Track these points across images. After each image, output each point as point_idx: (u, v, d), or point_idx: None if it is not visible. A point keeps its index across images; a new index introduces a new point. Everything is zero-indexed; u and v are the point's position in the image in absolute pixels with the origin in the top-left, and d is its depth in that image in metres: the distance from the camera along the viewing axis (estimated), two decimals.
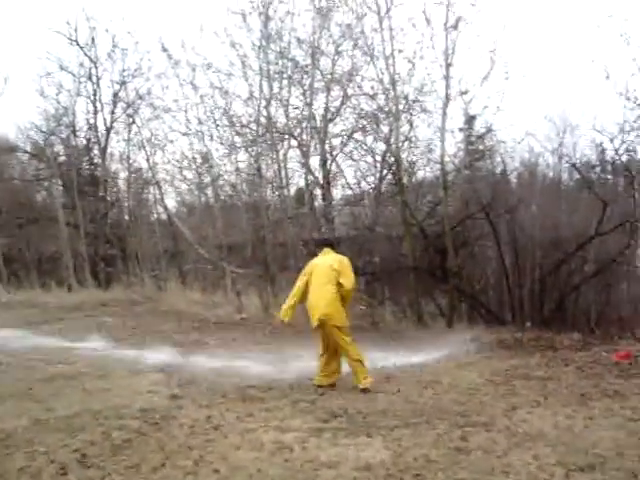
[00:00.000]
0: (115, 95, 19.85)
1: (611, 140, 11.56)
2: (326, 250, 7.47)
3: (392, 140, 13.37)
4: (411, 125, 13.93)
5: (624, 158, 12.08)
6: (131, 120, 19.30)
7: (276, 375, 7.90)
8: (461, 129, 14.31)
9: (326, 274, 7.15)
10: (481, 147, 14.80)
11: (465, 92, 12.66)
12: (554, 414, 5.90)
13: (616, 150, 11.71)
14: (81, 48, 19.77)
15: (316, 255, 7.57)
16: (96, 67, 20.06)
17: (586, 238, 11.22)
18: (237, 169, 15.78)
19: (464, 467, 4.49)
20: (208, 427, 5.60)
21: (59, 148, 21.76)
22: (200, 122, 15.79)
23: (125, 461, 4.75)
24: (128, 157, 20.12)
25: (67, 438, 5.31)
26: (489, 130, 14.27)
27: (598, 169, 14.90)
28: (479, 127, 14.50)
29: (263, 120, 15.01)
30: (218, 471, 4.51)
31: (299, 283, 7.31)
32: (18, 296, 17.47)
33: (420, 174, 14.91)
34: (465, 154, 14.24)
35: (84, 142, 21.38)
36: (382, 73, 13.14)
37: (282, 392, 6.95)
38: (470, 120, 15.02)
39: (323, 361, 7.29)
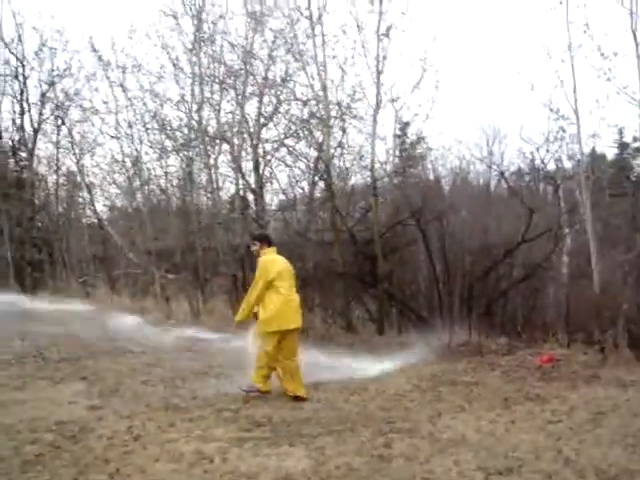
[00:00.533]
0: (43, 95, 19.30)
1: (537, 149, 11.80)
2: (274, 249, 7.25)
3: (324, 146, 13.35)
4: (343, 131, 13.95)
5: (551, 167, 12.36)
6: (60, 122, 18.81)
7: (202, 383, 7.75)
8: (396, 135, 14.39)
9: (292, 277, 7.16)
10: (412, 154, 14.94)
11: (396, 99, 12.78)
12: (478, 419, 5.94)
13: (542, 159, 11.97)
14: (6, 45, 19.14)
15: (259, 255, 7.19)
16: (23, 66, 19.48)
17: (514, 245, 11.40)
18: (167, 173, 15.55)
19: (385, 475, 4.45)
20: (127, 438, 5.40)
21: None
22: (130, 125, 15.50)
23: (35, 478, 4.51)
24: (57, 159, 19.61)
25: None
26: (421, 138, 14.45)
27: (527, 177, 15.23)
28: (411, 134, 14.64)
29: (194, 124, 14.81)
30: None
31: (261, 285, 6.91)
32: None
33: (352, 180, 14.94)
34: (397, 161, 14.35)
35: (10, 143, 20.70)
36: (313, 79, 13.15)
37: (206, 401, 6.80)
38: (404, 127, 15.16)
39: (293, 367, 7.04)
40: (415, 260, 13.23)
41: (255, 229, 14.14)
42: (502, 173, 13.21)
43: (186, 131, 15.03)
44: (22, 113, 19.86)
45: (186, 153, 15.02)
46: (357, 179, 14.90)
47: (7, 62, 19.44)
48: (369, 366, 8.68)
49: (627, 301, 9.52)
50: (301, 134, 14.42)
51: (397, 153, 14.62)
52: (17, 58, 19.39)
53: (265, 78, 14.25)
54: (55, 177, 20.13)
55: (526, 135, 12.96)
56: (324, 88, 12.94)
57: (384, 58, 12.51)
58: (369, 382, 7.69)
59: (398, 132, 14.56)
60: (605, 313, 9.64)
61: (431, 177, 14.21)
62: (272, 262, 7.04)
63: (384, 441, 5.23)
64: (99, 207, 19.08)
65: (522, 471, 4.47)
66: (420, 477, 4.40)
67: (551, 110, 10.98)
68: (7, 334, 11.09)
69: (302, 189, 15.23)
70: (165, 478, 4.45)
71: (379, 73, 12.50)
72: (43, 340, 10.67)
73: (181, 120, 15.18)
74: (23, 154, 20.41)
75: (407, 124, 14.94)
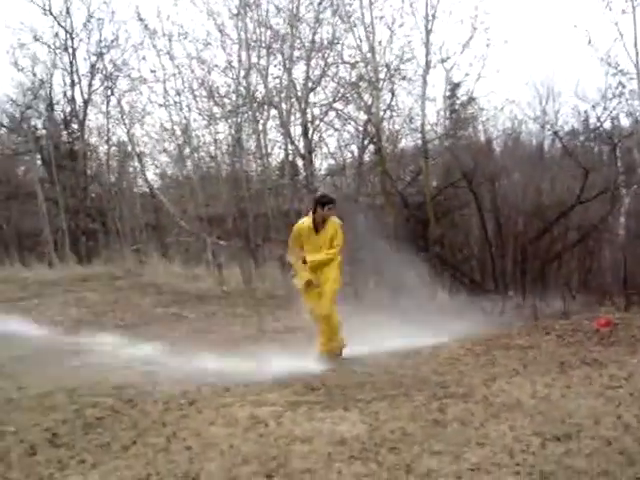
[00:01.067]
0: (92, 67, 19.50)
1: (593, 107, 11.44)
2: None
3: (373, 109, 13.19)
4: (392, 94, 13.73)
5: (607, 125, 11.98)
6: (109, 92, 18.98)
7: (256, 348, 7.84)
8: (446, 97, 14.11)
9: None
10: (463, 115, 14.66)
11: (446, 59, 12.50)
12: (533, 383, 5.86)
13: (598, 117, 11.60)
14: (55, 18, 19.34)
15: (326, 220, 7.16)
16: (72, 38, 19.65)
17: (568, 206, 11.14)
18: (216, 140, 15.57)
19: (440, 440, 4.43)
20: (183, 402, 5.53)
21: (37, 122, 21.40)
22: (178, 93, 15.53)
23: (96, 440, 4.66)
24: (107, 130, 19.84)
25: (39, 417, 5.22)
26: (472, 99, 14.15)
27: (582, 137, 14.83)
28: (461, 95, 14.35)
29: (242, 90, 14.77)
30: (190, 448, 4.43)
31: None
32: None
33: (402, 143, 14.75)
34: (447, 122, 14.11)
35: (62, 115, 21.03)
36: (361, 41, 12.96)
37: (262, 364, 6.88)
38: (454, 88, 14.87)
39: None
40: (467, 223, 13.07)
41: (305, 194, 14.15)
42: (556, 132, 12.87)
43: (234, 97, 15.00)
44: (72, 85, 20.11)
45: (235, 119, 15.01)
46: (407, 142, 14.71)
47: (56, 35, 19.65)
48: (422, 331, 8.64)
49: None
50: (350, 97, 14.27)
51: (448, 115, 14.37)
52: (66, 31, 19.58)
53: (312, 41, 14.08)
54: (106, 147, 20.40)
55: (582, 92, 12.51)
56: (372, 50, 12.75)
57: (433, 17, 12.23)
58: (422, 347, 7.65)
59: (448, 93, 14.29)
60: None
61: (482, 138, 13.92)
62: None
63: (438, 406, 5.21)
64: (150, 176, 19.30)
65: (580, 437, 4.39)
66: (475, 442, 4.37)
67: (609, 65, 10.62)
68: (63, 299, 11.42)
69: (351, 153, 15.14)
70: (220, 442, 4.51)
71: (428, 33, 12.24)
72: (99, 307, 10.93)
73: (229, 86, 15.15)
74: (75, 126, 20.72)
75: (457, 85, 14.67)
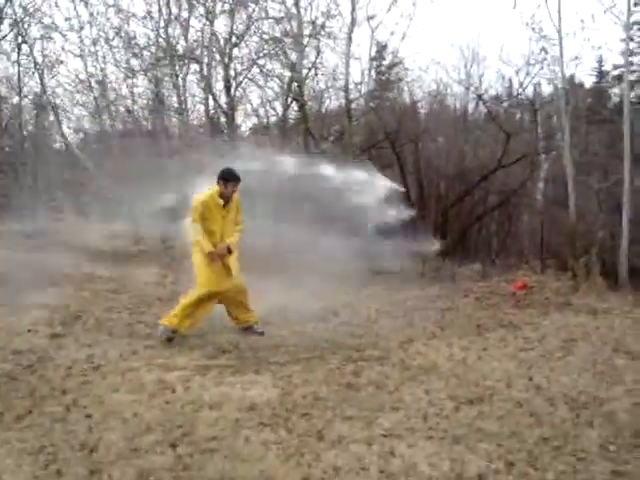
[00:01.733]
0: (0, 11, 18.31)
1: (516, 72, 11.47)
2: None
3: (297, 66, 12.87)
4: (318, 51, 13.43)
5: (529, 91, 12.06)
6: (20, 39, 17.90)
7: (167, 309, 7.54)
8: (372, 58, 13.91)
9: None
10: (388, 76, 14.52)
11: (372, 17, 12.28)
12: (449, 346, 5.83)
13: (521, 83, 11.65)
14: None
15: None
16: None
17: (490, 170, 11.19)
18: (134, 94, 14.96)
19: (353, 404, 4.31)
20: (87, 367, 5.20)
21: None
22: (94, 43, 14.78)
23: None
24: (19, 80, 18.78)
25: None
26: (398, 60, 14.00)
27: (505, 102, 14.94)
28: (387, 54, 14.20)
29: (162, 42, 14.16)
30: (90, 416, 4.15)
31: None
32: None
33: (327, 103, 14.51)
34: (372, 82, 13.94)
35: None
36: None
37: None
38: (381, 50, 14.70)
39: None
40: None
41: (228, 152, 13.77)
42: (480, 96, 12.88)
43: (153, 50, 14.38)
44: None
45: (154, 73, 14.41)
46: (331, 101, 14.47)
47: None
48: (341, 292, 8.54)
49: (601, 229, 9.42)
50: (274, 53, 13.88)
51: (373, 74, 14.19)
52: None
53: None
54: (18, 99, 19.34)
55: (506, 57, 12.57)
56: (297, 4, 12.38)
57: None
58: (339, 308, 7.54)
59: (374, 54, 14.10)
60: (579, 241, 9.55)
61: (407, 100, 13.83)
62: None
63: (353, 369, 5.09)
64: (66, 130, 18.43)
65: (493, 400, 4.36)
66: (389, 406, 4.28)
67: (533, 30, 10.62)
68: None
69: (274, 110, 14.80)
70: (124, 409, 4.26)
71: None
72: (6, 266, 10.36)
73: (148, 38, 14.50)
74: None
75: (384, 47, 14.49)
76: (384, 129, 11.70)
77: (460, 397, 4.41)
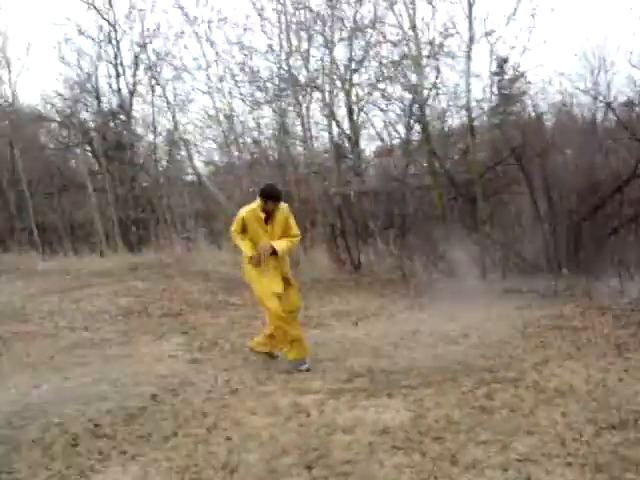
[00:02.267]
0: (136, 57, 19.56)
1: None
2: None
3: (418, 88, 12.89)
4: (437, 71, 13.39)
5: None
6: (154, 82, 19.05)
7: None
8: (493, 73, 13.68)
9: None
10: (511, 90, 14.24)
11: (490, 33, 12.07)
12: (587, 367, 5.62)
13: None
14: (98, 12, 19.48)
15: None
16: (115, 30, 19.75)
17: (623, 180, 10.70)
18: (260, 125, 15.47)
19: (487, 428, 4.25)
20: (225, 392, 5.47)
21: (85, 114, 21.69)
22: (220, 79, 15.48)
23: (137, 430, 4.63)
24: (153, 119, 19.95)
25: (83, 407, 5.21)
26: (519, 74, 13.72)
27: (638, 108, 14.27)
28: (508, 69, 13.93)
29: (284, 74, 14.61)
30: (230, 438, 4.36)
31: None
32: (52, 264, 17.53)
33: (449, 121, 14.39)
34: (494, 98, 13.70)
35: (109, 107, 21.26)
36: (402, 18, 12.63)
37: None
38: (501, 63, 14.46)
39: None
40: (517, 201, 12.71)
41: (352, 177, 14.02)
42: (609, 104, 12.37)
43: (276, 81, 14.86)
44: (117, 77, 20.25)
45: (278, 104, 14.88)
46: (454, 120, 14.35)
47: (100, 28, 19.83)
48: (471, 312, 8.42)
49: None
50: (393, 77, 13.97)
51: (494, 90, 13.93)
52: (109, 23, 19.70)
53: (354, 22, 13.82)
54: (153, 137, 20.54)
55: (636, 60, 11.99)
56: (414, 27, 12.42)
57: None
58: (471, 329, 7.44)
59: (495, 69, 13.87)
60: None
61: (531, 113, 13.48)
62: None
63: (486, 392, 5.02)
64: (197, 163, 19.34)
65: (638, 425, 4.16)
66: (524, 430, 4.19)
67: None
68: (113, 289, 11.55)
69: (398, 133, 14.87)
70: (261, 432, 4.43)
71: (471, 6, 11.83)
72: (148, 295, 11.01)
73: (271, 71, 15.00)
74: (121, 117, 20.91)
75: (505, 60, 14.23)
76: (509, 145, 11.48)
77: (600, 421, 4.24)
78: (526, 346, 6.58)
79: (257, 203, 6.24)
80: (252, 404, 5.05)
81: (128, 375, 6.13)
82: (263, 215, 6.21)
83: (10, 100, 22.43)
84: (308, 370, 6.04)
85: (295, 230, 6.43)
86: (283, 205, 6.32)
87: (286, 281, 6.37)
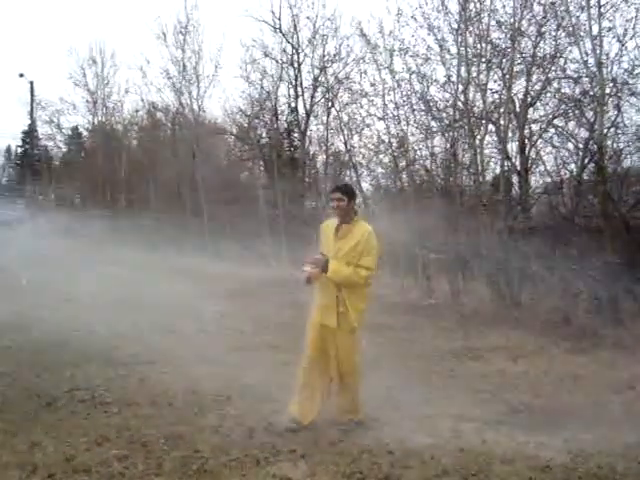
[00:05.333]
0: (315, 80, 20.55)
1: None
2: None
3: (596, 126, 12.60)
4: (619, 110, 13.00)
5: None
6: (330, 104, 19.87)
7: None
8: None
9: None
10: None
11: None
12: None
13: None
14: (284, 35, 20.66)
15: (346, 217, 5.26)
16: (298, 53, 20.92)
17: None
18: (432, 154, 15.69)
19: None
20: (388, 408, 5.70)
21: (262, 131, 22.98)
22: (397, 106, 15.88)
23: (305, 433, 4.98)
24: (326, 140, 20.77)
25: (256, 404, 5.66)
26: None
27: None
28: None
29: (460, 105, 14.77)
30: (392, 453, 4.61)
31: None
32: (221, 269, 18.50)
33: (627, 163, 13.90)
34: None
35: (285, 125, 22.41)
36: (587, 54, 12.41)
37: (464, 379, 6.91)
38: None
39: None
40: None
41: (518, 212, 13.86)
42: None
43: (451, 112, 15.04)
44: (296, 97, 21.45)
45: (451, 134, 15.05)
46: (633, 161, 13.84)
47: (284, 50, 21.05)
48: (637, 364, 8.14)
49: None
50: (571, 114, 13.73)
51: None
52: (293, 46, 20.90)
53: (533, 56, 13.73)
54: (324, 157, 21.37)
55: None
56: (599, 64, 12.17)
57: None
58: (636, 382, 7.20)
59: None
60: None
61: None
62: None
63: None
64: (365, 186, 19.88)
65: None
66: None
67: None
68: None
69: (570, 172, 14.54)
70: (422, 451, 4.64)
71: None
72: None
73: (447, 101, 15.21)
74: (296, 135, 21.99)
75: None
76: None
77: None
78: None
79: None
80: (413, 424, 5.26)
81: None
82: (334, 226, 5.24)
83: (196, 113, 24.15)
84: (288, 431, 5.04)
85: (367, 262, 5.12)
86: (364, 226, 5.21)
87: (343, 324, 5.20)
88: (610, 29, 12.25)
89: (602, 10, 12.08)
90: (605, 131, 12.69)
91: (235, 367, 7.13)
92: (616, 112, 12.89)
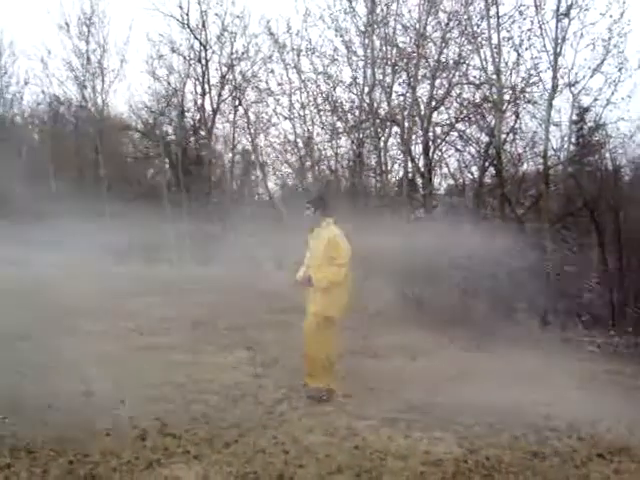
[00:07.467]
0: (223, 77, 20.28)
1: None
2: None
3: (495, 131, 13.01)
4: (517, 116, 13.49)
5: None
6: (237, 102, 19.69)
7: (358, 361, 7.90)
8: (572, 122, 13.66)
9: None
10: (590, 142, 14.17)
11: (574, 83, 12.15)
12: None
13: None
14: (192, 31, 20.29)
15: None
16: (205, 50, 20.54)
17: None
18: (337, 154, 15.82)
19: (537, 473, 4.34)
20: (285, 408, 5.67)
21: (168, 128, 22.51)
22: (303, 106, 15.93)
23: (200, 433, 4.88)
24: (233, 138, 20.59)
25: (150, 406, 5.50)
26: (600, 125, 13.66)
27: None
28: (588, 121, 13.91)
29: (365, 106, 14.94)
30: (287, 452, 4.57)
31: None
32: (123, 269, 18.01)
33: (524, 167, 14.42)
34: (572, 148, 13.68)
35: (191, 123, 22.04)
36: (487, 62, 12.84)
37: (362, 378, 6.94)
38: (581, 113, 14.43)
39: None
40: (585, 253, 12.62)
41: (422, 213, 14.13)
42: None
43: (357, 113, 15.21)
44: (203, 94, 21.04)
45: (356, 135, 15.21)
46: (529, 166, 14.38)
47: (192, 47, 20.66)
48: (529, 359, 8.42)
49: None
50: (472, 118, 14.14)
51: (573, 140, 13.92)
52: (201, 43, 20.52)
53: (437, 61, 14.08)
54: (231, 155, 21.18)
55: None
56: (498, 71, 12.60)
57: (563, 40, 12.01)
58: (526, 376, 7.46)
59: (575, 118, 13.86)
60: None
61: (609, 166, 13.38)
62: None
63: (538, 438, 5.09)
64: (270, 185, 19.83)
65: None
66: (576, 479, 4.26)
67: None
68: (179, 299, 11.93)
69: (471, 174, 14.97)
70: (317, 450, 4.62)
71: (557, 55, 11.99)
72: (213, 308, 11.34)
73: (352, 102, 15.40)
74: (203, 133, 21.66)
75: (586, 110, 14.20)
76: (583, 196, 11.47)
77: None
78: (584, 399, 6.56)
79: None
80: (310, 422, 5.25)
81: (193, 381, 6.42)
82: (312, 231, 6.26)
83: (100, 108, 23.39)
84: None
85: (339, 260, 5.97)
86: (332, 230, 6.06)
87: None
88: (509, 39, 12.69)
89: (500, 21, 12.50)
90: (504, 136, 13.11)
91: (130, 368, 6.91)
92: (514, 118, 13.37)
